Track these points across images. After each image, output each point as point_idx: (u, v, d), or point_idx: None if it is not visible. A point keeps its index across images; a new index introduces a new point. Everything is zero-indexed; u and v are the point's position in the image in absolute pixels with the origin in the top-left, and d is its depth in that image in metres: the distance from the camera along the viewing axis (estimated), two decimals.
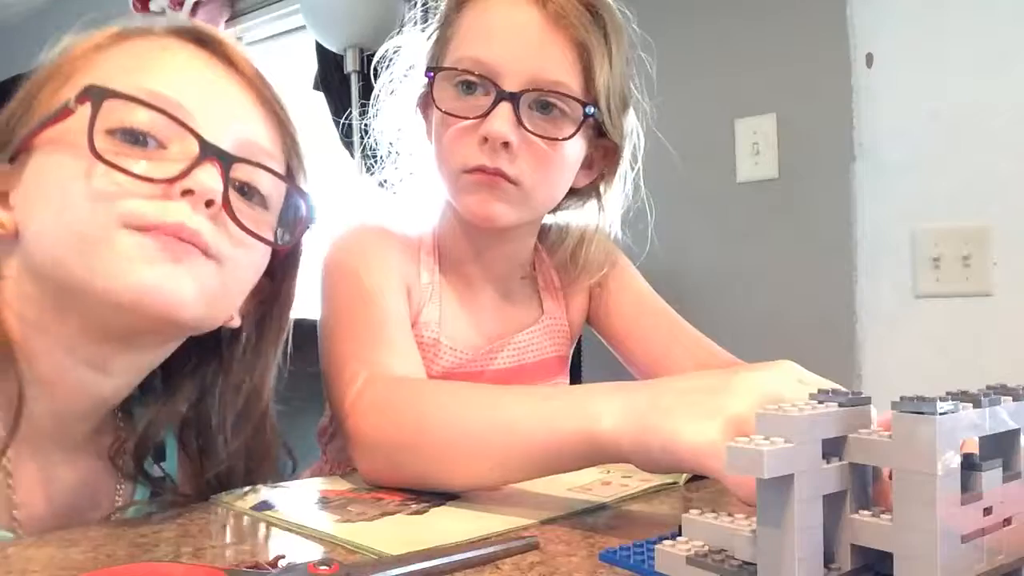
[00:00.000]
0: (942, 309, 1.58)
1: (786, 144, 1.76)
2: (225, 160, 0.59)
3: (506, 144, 0.78)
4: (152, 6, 2.84)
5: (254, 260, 0.64)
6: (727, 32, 1.83)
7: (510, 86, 0.78)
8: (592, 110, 0.80)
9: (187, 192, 0.57)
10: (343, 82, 2.34)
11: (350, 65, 2.23)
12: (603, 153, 0.89)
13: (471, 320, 0.90)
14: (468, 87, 0.80)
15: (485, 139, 0.78)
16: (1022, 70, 1.50)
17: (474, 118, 0.79)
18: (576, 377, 1.80)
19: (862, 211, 1.67)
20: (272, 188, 0.64)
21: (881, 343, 1.65)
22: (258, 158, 0.62)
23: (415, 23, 0.90)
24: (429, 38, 0.87)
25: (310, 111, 2.52)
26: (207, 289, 0.58)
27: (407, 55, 0.90)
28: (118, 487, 0.66)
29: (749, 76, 1.80)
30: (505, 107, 0.77)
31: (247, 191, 0.62)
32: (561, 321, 0.96)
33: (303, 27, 2.45)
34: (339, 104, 2.38)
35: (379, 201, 0.97)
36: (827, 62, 1.69)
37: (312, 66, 2.52)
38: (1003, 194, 1.52)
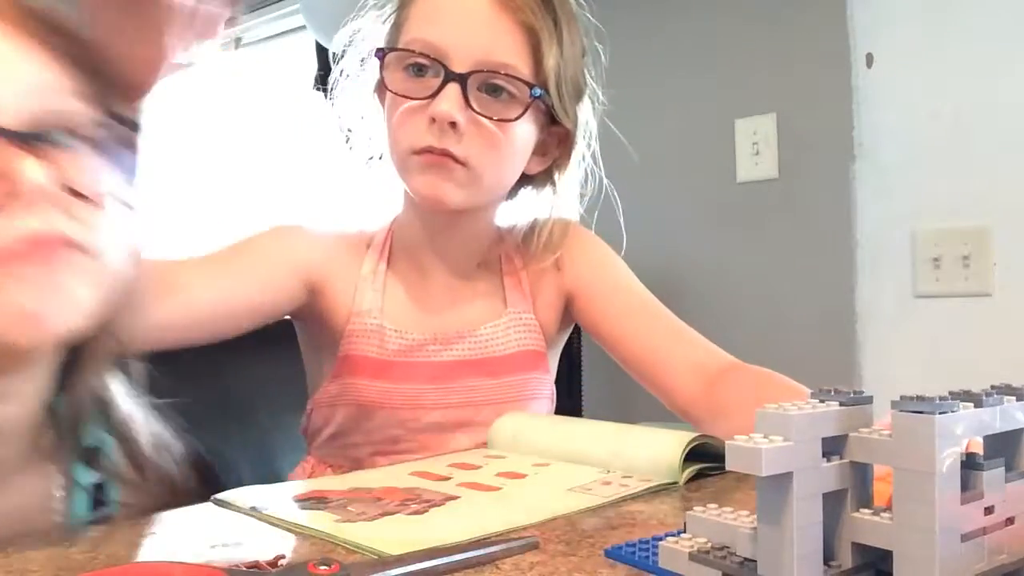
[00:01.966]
0: (942, 309, 1.59)
1: (786, 144, 1.76)
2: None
3: (453, 124, 0.79)
4: None
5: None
6: (727, 32, 1.83)
7: (458, 67, 0.80)
8: (539, 92, 0.82)
9: None
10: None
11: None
12: (557, 140, 0.90)
13: (420, 305, 0.91)
14: (418, 69, 0.82)
15: (433, 120, 0.79)
16: (1022, 70, 1.50)
17: (423, 99, 0.80)
18: (576, 378, 1.81)
19: (862, 211, 1.67)
20: None
21: (881, 343, 1.65)
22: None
23: (374, 7, 0.92)
24: (385, 22, 0.89)
25: (310, 111, 2.52)
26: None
27: (366, 40, 0.91)
28: (56, 495, 0.60)
29: (749, 76, 1.80)
30: (453, 88, 0.79)
31: None
32: (528, 316, 0.93)
33: (303, 27, 2.46)
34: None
35: (344, 190, 0.99)
36: (827, 62, 1.69)
37: (312, 66, 2.52)
38: (1003, 194, 1.52)
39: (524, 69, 0.81)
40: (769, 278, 1.78)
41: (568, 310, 0.96)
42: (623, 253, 1.00)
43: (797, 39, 1.74)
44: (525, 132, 0.85)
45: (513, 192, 0.93)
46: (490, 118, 0.81)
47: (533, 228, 0.94)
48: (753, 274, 1.80)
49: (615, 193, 0.97)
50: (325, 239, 0.91)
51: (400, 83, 0.83)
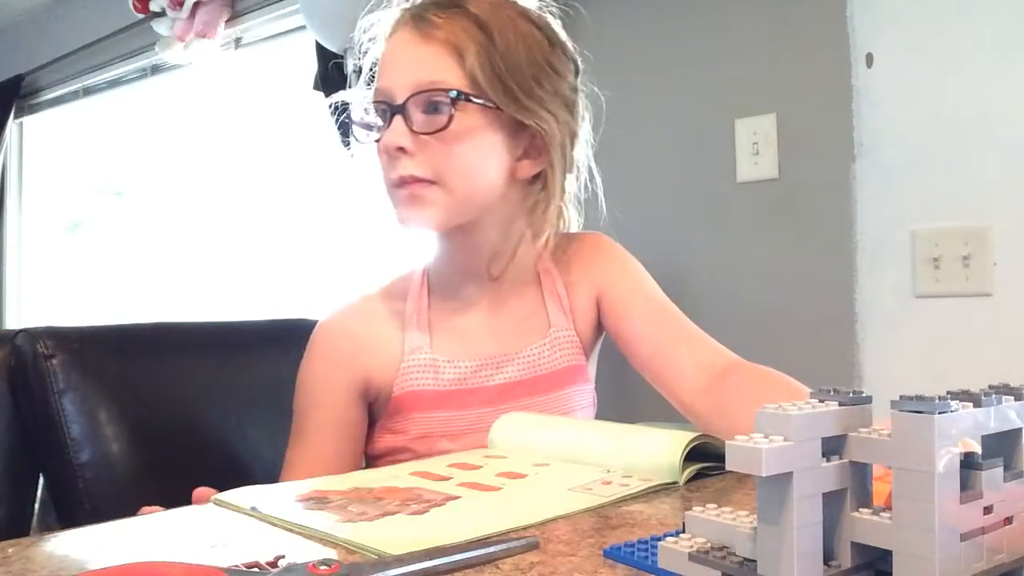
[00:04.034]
0: (942, 309, 1.58)
1: (786, 144, 1.76)
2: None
3: (402, 149, 0.85)
4: (152, 6, 2.84)
5: None
6: (727, 31, 1.83)
7: (399, 99, 0.86)
8: (455, 93, 0.85)
9: None
10: (343, 82, 2.34)
11: (350, 65, 2.23)
12: (542, 141, 0.92)
13: (466, 334, 0.95)
14: (383, 115, 0.89)
15: (388, 153, 0.87)
16: (1022, 70, 1.50)
17: (379, 138, 0.88)
18: None
19: (862, 211, 1.67)
20: None
21: (881, 343, 1.65)
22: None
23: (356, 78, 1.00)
24: (370, 87, 0.95)
25: (310, 111, 2.52)
26: None
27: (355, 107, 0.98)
28: None
29: (749, 76, 1.80)
30: (397, 119, 0.86)
31: None
32: (569, 333, 0.98)
33: (303, 27, 2.45)
34: (339, 104, 2.37)
35: (377, 237, 1.05)
36: (827, 62, 1.69)
37: (312, 66, 2.51)
38: (1003, 194, 1.52)
39: (454, 80, 0.86)
40: (769, 278, 1.78)
41: (598, 316, 1.00)
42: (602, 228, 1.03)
43: (797, 39, 1.74)
44: (481, 136, 0.87)
45: (525, 199, 0.94)
46: (430, 132, 0.86)
47: (563, 239, 0.98)
48: (753, 274, 1.80)
49: (613, 193, 0.99)
50: (359, 326, 0.95)
51: (377, 132, 0.90)
